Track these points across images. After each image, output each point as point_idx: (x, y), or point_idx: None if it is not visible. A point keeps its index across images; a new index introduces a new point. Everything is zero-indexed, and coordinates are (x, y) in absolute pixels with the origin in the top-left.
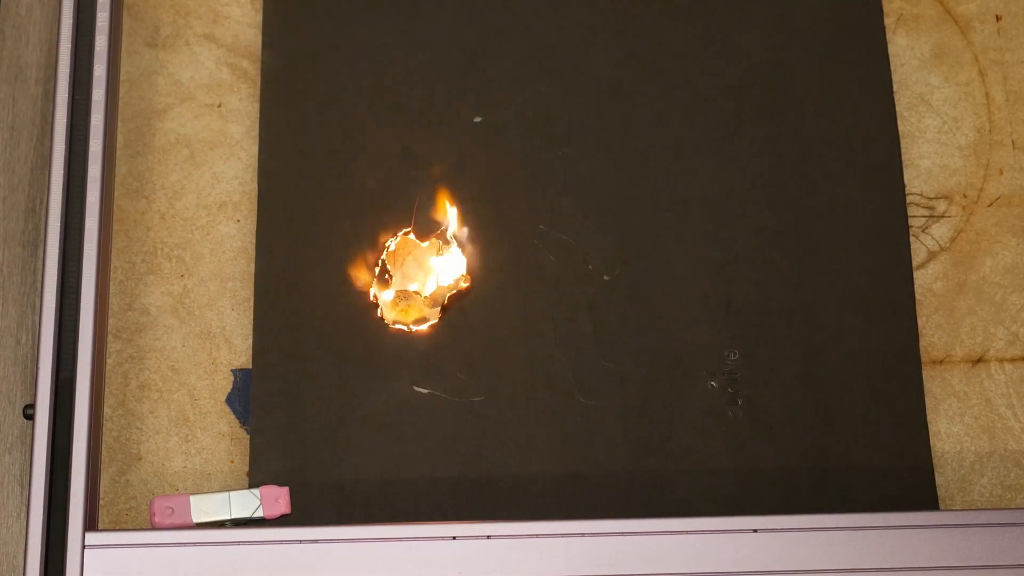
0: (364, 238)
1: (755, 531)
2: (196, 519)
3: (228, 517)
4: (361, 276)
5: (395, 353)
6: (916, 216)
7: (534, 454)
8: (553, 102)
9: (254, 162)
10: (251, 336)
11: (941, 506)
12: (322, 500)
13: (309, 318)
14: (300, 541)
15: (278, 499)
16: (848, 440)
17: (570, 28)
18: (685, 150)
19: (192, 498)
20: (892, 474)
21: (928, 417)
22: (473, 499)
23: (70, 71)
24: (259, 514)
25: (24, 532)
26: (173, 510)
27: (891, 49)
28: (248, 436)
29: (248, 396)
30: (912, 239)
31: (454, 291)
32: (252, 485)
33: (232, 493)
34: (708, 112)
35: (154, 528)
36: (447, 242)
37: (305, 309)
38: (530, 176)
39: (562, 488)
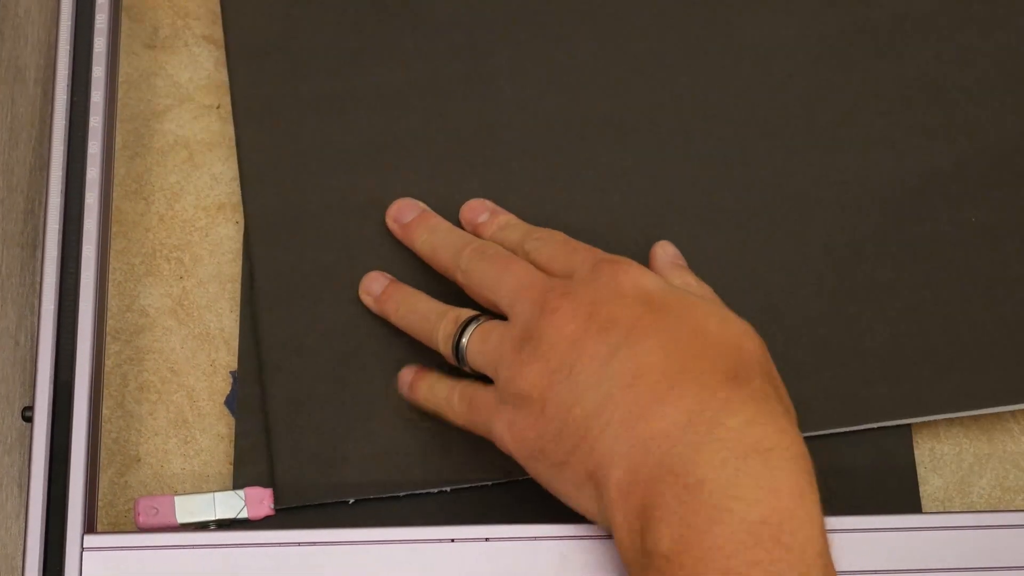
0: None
1: None
2: (180, 519)
3: (213, 518)
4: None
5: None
6: None
7: None
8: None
9: None
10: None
11: (939, 508)
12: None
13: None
14: (299, 544)
15: (263, 500)
16: (841, 441)
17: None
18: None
19: (177, 499)
20: (886, 473)
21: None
22: (472, 501)
23: (69, 72)
24: (244, 515)
25: (23, 534)
26: (158, 510)
27: None
28: None
29: None
30: None
31: None
32: (236, 487)
33: (216, 494)
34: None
35: (139, 528)
36: None
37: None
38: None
39: None
